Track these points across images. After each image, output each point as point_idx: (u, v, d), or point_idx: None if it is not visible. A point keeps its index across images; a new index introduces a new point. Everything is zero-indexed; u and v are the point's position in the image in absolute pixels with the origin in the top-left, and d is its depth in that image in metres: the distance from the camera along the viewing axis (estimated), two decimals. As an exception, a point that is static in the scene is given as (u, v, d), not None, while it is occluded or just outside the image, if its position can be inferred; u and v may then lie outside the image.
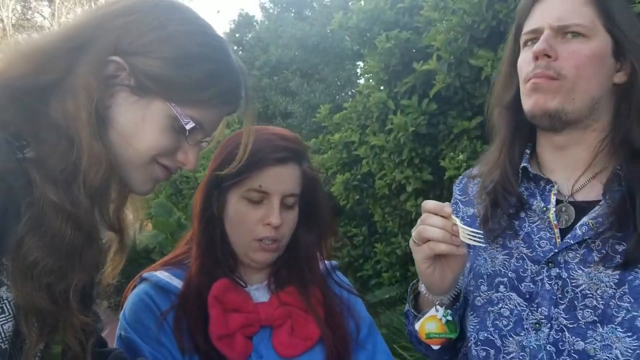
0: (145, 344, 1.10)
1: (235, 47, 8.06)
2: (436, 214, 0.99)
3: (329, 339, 1.17)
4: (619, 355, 0.94)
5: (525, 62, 1.06)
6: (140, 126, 0.85)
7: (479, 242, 0.98)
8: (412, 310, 1.14)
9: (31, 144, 0.77)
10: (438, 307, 1.08)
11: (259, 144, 1.13)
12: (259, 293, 1.21)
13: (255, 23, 8.46)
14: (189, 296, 1.14)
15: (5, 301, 0.73)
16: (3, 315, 0.73)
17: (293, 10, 8.38)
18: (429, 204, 1.01)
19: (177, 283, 1.17)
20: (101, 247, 0.85)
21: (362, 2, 3.78)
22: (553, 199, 1.06)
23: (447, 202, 1.02)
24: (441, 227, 0.98)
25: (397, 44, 3.20)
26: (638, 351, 0.93)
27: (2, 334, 0.73)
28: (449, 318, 1.09)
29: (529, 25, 1.07)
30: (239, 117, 1.02)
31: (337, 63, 6.39)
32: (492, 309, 1.08)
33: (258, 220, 1.14)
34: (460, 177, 1.29)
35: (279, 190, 1.14)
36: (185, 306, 1.13)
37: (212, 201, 1.17)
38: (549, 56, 1.01)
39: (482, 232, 1.00)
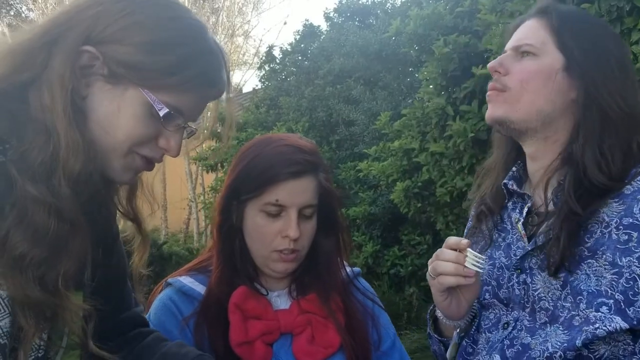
0: None
1: (300, 57, 8.20)
2: (453, 249, 1.06)
3: (350, 347, 1.17)
4: (549, 347, 1.02)
5: None
6: (117, 115, 0.84)
7: (478, 269, 1.04)
8: (435, 334, 1.24)
9: (12, 144, 0.78)
10: (456, 333, 1.19)
11: (273, 158, 1.15)
12: (280, 300, 1.22)
13: (319, 33, 8.57)
14: (210, 304, 1.17)
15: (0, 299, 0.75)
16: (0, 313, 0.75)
17: (357, 19, 8.40)
18: (451, 240, 1.08)
19: (200, 289, 1.21)
20: (87, 234, 0.84)
21: (424, 7, 3.74)
22: (525, 210, 1.15)
23: (463, 239, 1.08)
24: (453, 261, 1.04)
25: (456, 48, 3.15)
26: (565, 344, 1.00)
27: (1, 330, 0.75)
28: (458, 341, 1.18)
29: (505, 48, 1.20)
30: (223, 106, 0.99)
31: (399, 70, 6.34)
32: (484, 313, 1.19)
33: (276, 233, 1.15)
34: (473, 208, 1.37)
35: (296, 203, 1.15)
36: (206, 313, 1.16)
37: (231, 213, 1.20)
38: (499, 72, 1.13)
39: (484, 257, 1.06)
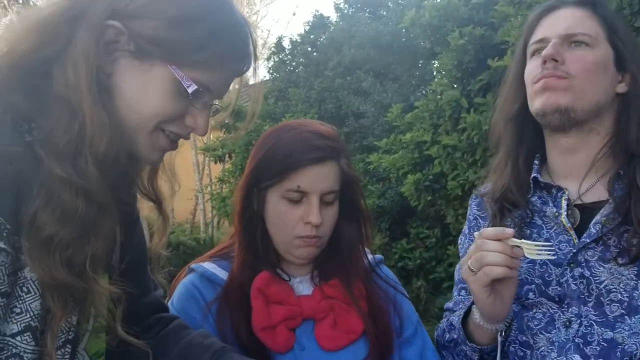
0: None
1: (309, 49, 8.15)
2: (495, 239, 1.00)
3: (373, 333, 1.16)
4: None
5: (533, 67, 1.13)
6: (143, 92, 0.81)
7: (549, 255, 0.98)
8: (470, 343, 1.15)
9: (38, 122, 0.76)
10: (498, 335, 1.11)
11: (294, 144, 1.13)
12: (303, 286, 1.22)
13: (329, 24, 8.51)
14: (233, 289, 1.16)
15: (29, 281, 0.74)
16: (30, 295, 0.75)
17: (367, 10, 8.34)
18: (489, 230, 1.02)
19: (223, 275, 1.20)
20: (114, 216, 0.83)
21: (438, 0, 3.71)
22: (564, 204, 1.12)
23: (506, 228, 1.03)
24: (500, 251, 0.99)
25: (471, 40, 3.11)
26: None
27: (32, 312, 0.75)
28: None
29: (536, 36, 1.14)
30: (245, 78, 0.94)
31: (410, 62, 6.29)
32: (527, 314, 1.14)
33: (298, 219, 1.14)
34: (473, 195, 1.34)
35: (317, 190, 1.14)
36: (228, 299, 1.16)
37: (252, 200, 1.19)
38: (556, 60, 1.08)
39: (550, 243, 1.02)
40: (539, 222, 1.16)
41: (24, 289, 0.74)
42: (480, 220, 1.31)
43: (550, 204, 1.15)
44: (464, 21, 3.32)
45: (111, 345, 0.92)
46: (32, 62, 0.77)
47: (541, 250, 0.98)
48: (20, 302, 0.74)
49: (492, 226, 1.19)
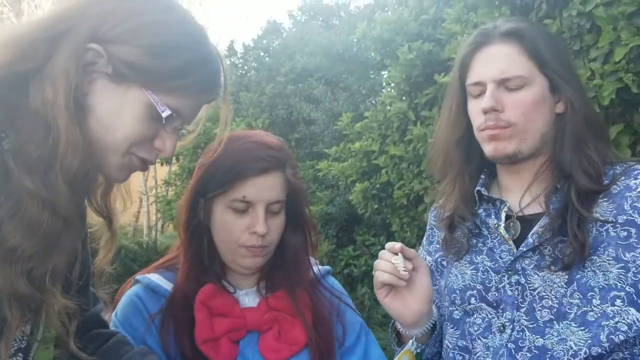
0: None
1: (262, 54, 8.14)
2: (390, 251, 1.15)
3: (315, 345, 1.19)
4: (573, 346, 1.04)
5: (475, 112, 1.18)
6: (118, 114, 0.85)
7: (402, 270, 1.13)
8: (397, 347, 1.29)
9: (9, 134, 0.78)
10: (412, 341, 1.22)
11: (240, 154, 1.15)
12: (249, 298, 1.23)
13: (282, 30, 8.53)
14: (177, 301, 1.17)
15: None
16: None
17: (320, 19, 8.42)
18: (389, 244, 1.16)
19: (169, 286, 1.20)
20: (79, 232, 0.86)
21: (389, 13, 3.80)
22: (503, 215, 1.19)
23: (399, 243, 1.16)
24: (390, 261, 1.14)
25: (419, 55, 3.21)
26: (589, 341, 1.03)
27: None
28: (418, 351, 1.22)
29: (472, 77, 1.18)
30: (217, 107, 1.01)
31: (361, 72, 6.39)
32: (469, 319, 1.20)
33: (244, 229, 1.16)
34: (432, 207, 1.43)
35: (263, 200, 1.15)
36: (172, 310, 1.16)
37: (198, 210, 1.19)
38: (496, 110, 1.13)
39: (407, 267, 1.14)
40: (485, 232, 1.23)
41: None
42: (435, 230, 1.38)
43: (493, 216, 1.21)
44: (413, 36, 3.42)
45: (60, 359, 0.92)
46: (8, 75, 0.79)
47: (399, 264, 1.13)
48: None
49: (443, 240, 1.29)
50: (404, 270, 1.12)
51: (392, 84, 3.59)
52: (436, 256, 1.35)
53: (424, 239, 1.42)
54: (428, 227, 1.41)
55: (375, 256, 4.97)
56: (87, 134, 0.83)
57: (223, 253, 1.20)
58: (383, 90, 4.89)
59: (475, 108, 1.18)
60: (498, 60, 1.14)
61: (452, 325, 1.24)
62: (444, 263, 1.31)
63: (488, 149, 1.17)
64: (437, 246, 1.34)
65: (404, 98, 3.46)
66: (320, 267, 1.33)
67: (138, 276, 1.23)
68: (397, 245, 1.14)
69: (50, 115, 0.79)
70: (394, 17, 3.51)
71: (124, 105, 0.85)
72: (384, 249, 1.18)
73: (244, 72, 8.29)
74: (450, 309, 1.24)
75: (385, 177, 3.74)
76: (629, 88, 1.78)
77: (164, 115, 0.86)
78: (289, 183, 1.20)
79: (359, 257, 5.17)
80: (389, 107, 3.63)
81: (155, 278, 1.22)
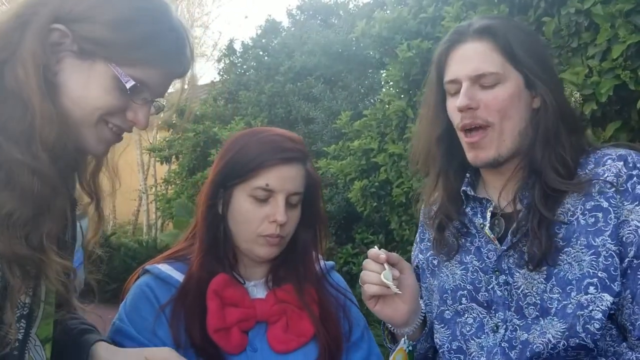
0: (141, 334, 1.14)
1: (261, 52, 8.15)
2: (374, 261, 1.14)
3: (323, 337, 1.20)
4: (551, 339, 1.05)
5: (452, 110, 1.18)
6: (86, 88, 0.90)
7: (389, 284, 1.12)
8: (391, 345, 1.30)
9: None
10: (404, 339, 1.23)
11: (265, 145, 1.18)
12: (257, 289, 1.25)
13: (281, 29, 8.54)
14: (189, 290, 1.18)
15: None
16: None
17: (319, 17, 8.42)
18: (372, 252, 1.15)
19: (178, 276, 1.21)
20: (66, 198, 0.93)
21: (388, 12, 3.80)
22: (488, 215, 1.19)
23: (382, 250, 1.15)
24: (377, 272, 1.13)
25: (418, 53, 3.21)
26: (567, 333, 1.04)
27: None
28: (410, 348, 1.23)
29: (448, 75, 1.18)
30: (188, 79, 1.05)
31: (360, 71, 6.40)
32: (460, 320, 1.21)
33: (264, 218, 1.18)
34: (423, 204, 1.40)
35: (284, 189, 1.18)
36: (184, 300, 1.17)
37: (217, 199, 1.21)
38: (472, 107, 1.12)
39: (394, 282, 1.12)
40: (473, 231, 1.22)
41: None
42: (425, 228, 1.37)
43: (479, 215, 1.21)
44: (412, 34, 3.42)
45: (62, 320, 1.01)
46: None
47: (387, 278, 1.11)
48: None
49: (433, 240, 1.29)
50: (395, 284, 1.11)
51: (391, 82, 3.60)
52: (427, 255, 1.34)
53: (417, 236, 1.43)
54: (420, 225, 1.41)
55: (374, 254, 4.99)
56: (60, 108, 0.89)
57: (239, 242, 1.22)
58: (382, 89, 4.90)
59: (452, 106, 1.18)
60: (472, 58, 1.14)
61: (442, 325, 1.24)
62: (435, 262, 1.31)
63: (470, 156, 1.17)
64: (428, 244, 1.34)
65: (402, 96, 3.47)
66: (325, 262, 1.35)
67: (147, 266, 1.24)
68: (382, 255, 1.13)
69: (24, 94, 0.85)
70: (393, 15, 3.52)
71: (90, 80, 0.90)
72: (382, 246, 1.18)
73: (243, 71, 8.30)
74: (442, 308, 1.25)
75: (384, 175, 3.75)
76: (626, 85, 1.80)
77: (128, 86, 0.91)
78: (309, 176, 1.23)
79: (357, 255, 5.18)
80: (387, 105, 3.64)
81: (165, 268, 1.23)
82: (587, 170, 1.12)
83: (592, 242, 1.06)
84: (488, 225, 1.18)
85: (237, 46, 8.58)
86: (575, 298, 1.05)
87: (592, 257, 1.06)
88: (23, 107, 0.85)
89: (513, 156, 1.16)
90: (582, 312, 1.04)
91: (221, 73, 8.76)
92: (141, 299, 1.19)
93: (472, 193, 1.22)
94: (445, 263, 1.26)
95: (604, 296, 1.03)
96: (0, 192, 0.81)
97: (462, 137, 1.18)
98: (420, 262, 1.36)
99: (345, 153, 4.39)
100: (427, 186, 1.31)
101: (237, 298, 1.19)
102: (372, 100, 5.95)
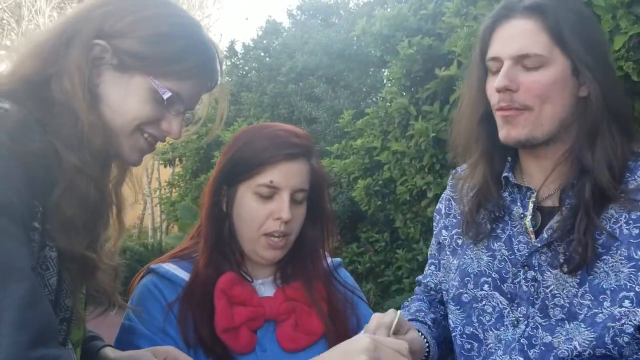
0: (151, 333, 1.13)
1: (262, 54, 8.14)
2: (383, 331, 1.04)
3: (333, 334, 1.19)
4: (577, 346, 1.02)
5: (491, 90, 1.13)
6: (125, 99, 0.97)
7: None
8: None
9: (48, 124, 0.91)
10: None
11: (269, 141, 1.17)
12: (265, 288, 1.24)
13: (282, 30, 8.53)
14: (196, 289, 1.17)
15: (49, 260, 0.87)
16: (48, 272, 0.87)
17: (320, 17, 8.41)
18: (377, 323, 1.05)
19: (184, 275, 1.20)
20: (111, 206, 1.00)
21: (389, 9, 3.79)
22: (531, 206, 1.13)
23: (384, 326, 1.03)
24: (396, 348, 0.97)
25: (420, 50, 3.21)
26: (594, 342, 1.01)
27: (49, 287, 0.87)
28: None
29: (491, 52, 1.12)
30: (217, 93, 1.13)
31: (361, 69, 6.39)
32: (477, 305, 1.18)
33: (268, 215, 1.17)
34: (450, 175, 1.36)
35: (289, 186, 1.17)
36: (191, 299, 1.17)
37: (222, 197, 1.21)
38: (511, 89, 1.07)
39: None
40: (507, 218, 1.18)
41: (44, 266, 0.86)
42: (452, 202, 1.31)
43: (518, 203, 1.16)
44: (413, 31, 3.42)
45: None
46: (38, 78, 0.93)
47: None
48: (40, 277, 0.85)
49: (464, 221, 1.21)
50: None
51: (393, 80, 3.59)
52: (452, 232, 1.29)
53: (441, 208, 1.34)
54: (445, 198, 1.34)
55: (379, 252, 4.99)
56: (102, 118, 0.96)
57: (243, 241, 1.21)
58: (384, 87, 4.88)
59: (491, 85, 1.12)
60: (517, 36, 1.07)
61: (458, 307, 1.21)
62: (459, 242, 1.26)
63: (501, 133, 1.11)
64: (454, 221, 1.28)
65: (404, 93, 3.46)
66: (332, 259, 1.34)
67: (152, 265, 1.24)
68: (387, 319, 1.04)
69: (72, 104, 0.92)
70: (393, 12, 3.51)
71: (129, 91, 0.97)
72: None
73: (244, 72, 8.29)
74: (460, 290, 1.21)
75: (387, 173, 3.74)
76: (629, 76, 1.78)
77: (165, 97, 0.97)
78: (314, 172, 1.22)
79: (363, 254, 5.17)
80: (389, 103, 3.63)
81: (170, 268, 1.22)
82: (636, 176, 1.06)
83: (634, 254, 1.02)
84: (530, 217, 1.13)
85: (238, 48, 8.58)
86: (608, 309, 1.01)
87: (631, 269, 1.01)
88: (72, 117, 0.92)
89: (550, 142, 1.10)
90: (614, 325, 1.00)
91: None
92: (148, 298, 1.18)
93: (514, 180, 1.16)
94: (471, 246, 1.21)
95: (638, 311, 0.99)
96: (62, 198, 0.87)
97: (497, 115, 1.13)
98: (444, 238, 1.31)
99: (349, 152, 4.38)
100: (471, 164, 1.24)
101: (245, 297, 1.18)
102: (374, 99, 5.95)
